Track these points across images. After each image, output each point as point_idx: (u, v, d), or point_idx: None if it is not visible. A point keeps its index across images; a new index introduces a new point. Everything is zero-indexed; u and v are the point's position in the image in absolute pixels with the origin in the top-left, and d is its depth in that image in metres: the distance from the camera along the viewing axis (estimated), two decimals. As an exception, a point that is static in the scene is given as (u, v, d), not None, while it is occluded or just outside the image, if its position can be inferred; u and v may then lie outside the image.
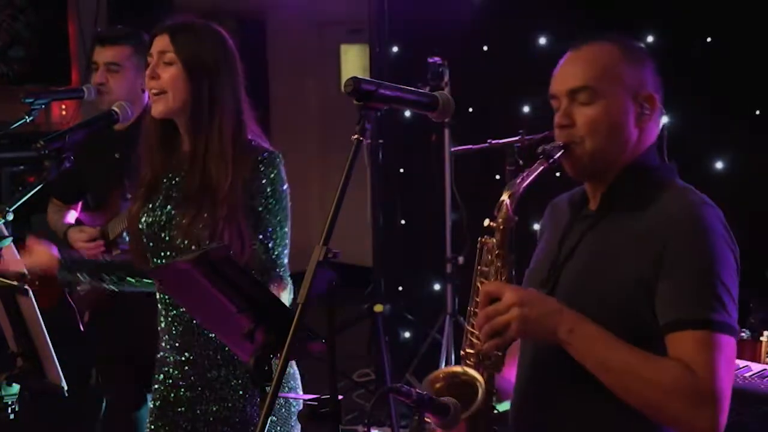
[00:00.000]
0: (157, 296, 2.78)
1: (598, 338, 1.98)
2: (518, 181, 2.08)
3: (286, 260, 2.73)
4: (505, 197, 2.07)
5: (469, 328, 2.10)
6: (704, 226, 1.99)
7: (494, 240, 2.09)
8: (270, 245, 2.68)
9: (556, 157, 2.08)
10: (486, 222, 2.11)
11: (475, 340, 2.08)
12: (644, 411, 1.97)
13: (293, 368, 2.77)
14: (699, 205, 2.03)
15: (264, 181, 2.67)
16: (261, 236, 2.67)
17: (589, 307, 2.01)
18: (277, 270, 2.68)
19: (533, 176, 2.08)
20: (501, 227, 2.08)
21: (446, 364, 5.18)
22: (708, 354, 1.93)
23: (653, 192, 2.08)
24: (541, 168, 2.09)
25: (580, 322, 1.99)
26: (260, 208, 2.67)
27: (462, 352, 2.13)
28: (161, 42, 2.70)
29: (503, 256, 2.08)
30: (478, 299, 2.06)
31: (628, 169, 2.11)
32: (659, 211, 2.04)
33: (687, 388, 1.92)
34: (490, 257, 2.11)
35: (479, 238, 2.13)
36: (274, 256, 2.68)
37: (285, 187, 2.71)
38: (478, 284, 2.11)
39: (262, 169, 2.66)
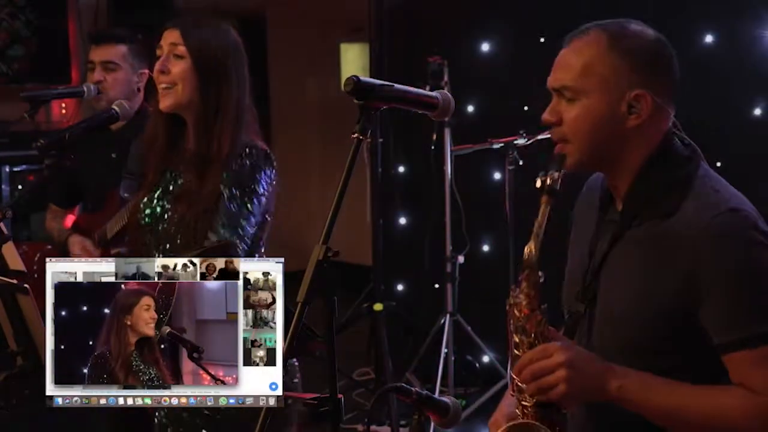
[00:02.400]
0: None
1: (649, 387, 1.91)
2: (535, 234, 1.95)
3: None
4: (529, 249, 1.96)
5: (514, 376, 1.97)
6: (735, 236, 1.90)
7: (522, 302, 1.98)
8: (224, 232, 2.60)
9: (557, 188, 1.97)
10: (512, 296, 1.99)
11: (521, 386, 1.96)
12: None
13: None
14: (726, 214, 1.92)
15: (237, 174, 2.62)
16: (218, 225, 2.61)
17: (628, 333, 1.97)
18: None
19: (545, 221, 1.96)
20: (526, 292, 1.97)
21: (445, 364, 5.20)
22: (765, 370, 1.87)
23: (677, 196, 1.97)
24: (548, 208, 1.96)
25: (628, 376, 1.92)
26: (225, 198, 2.62)
27: (515, 400, 2.01)
28: (172, 35, 2.69)
29: (535, 313, 1.97)
30: (516, 346, 1.98)
31: (647, 167, 2.01)
32: (685, 221, 1.93)
33: (754, 414, 1.86)
34: (520, 316, 1.98)
35: (507, 301, 1.99)
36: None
37: (258, 179, 2.65)
38: (516, 339, 1.99)
39: (247, 162, 2.63)
